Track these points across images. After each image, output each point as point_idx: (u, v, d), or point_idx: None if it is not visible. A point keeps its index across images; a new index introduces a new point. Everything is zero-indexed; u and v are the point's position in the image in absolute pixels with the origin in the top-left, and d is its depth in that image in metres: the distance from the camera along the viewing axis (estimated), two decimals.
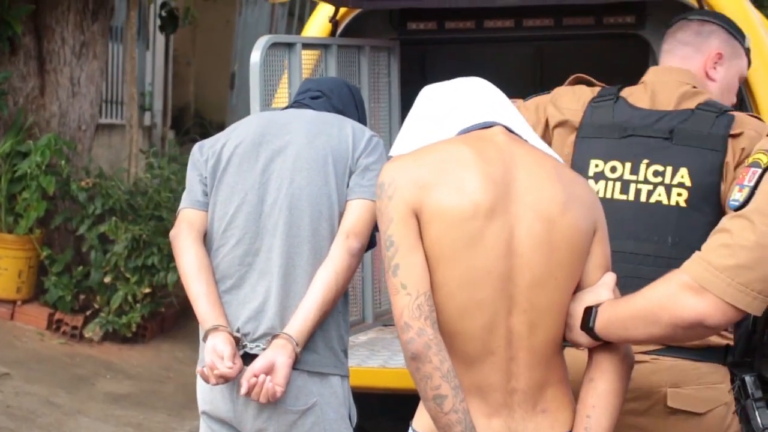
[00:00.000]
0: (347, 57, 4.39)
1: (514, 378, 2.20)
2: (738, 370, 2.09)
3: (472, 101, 2.35)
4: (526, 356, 2.20)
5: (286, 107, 3.19)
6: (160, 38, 11.84)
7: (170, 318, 7.56)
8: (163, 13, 8.28)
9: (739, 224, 1.97)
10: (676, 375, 2.62)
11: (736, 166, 2.67)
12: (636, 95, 2.87)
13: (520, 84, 5.86)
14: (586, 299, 2.23)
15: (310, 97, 3.10)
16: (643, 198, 2.73)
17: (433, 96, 2.41)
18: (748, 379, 2.06)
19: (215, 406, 2.90)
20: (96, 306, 7.12)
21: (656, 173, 2.72)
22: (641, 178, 2.74)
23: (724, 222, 2.01)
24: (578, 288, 2.25)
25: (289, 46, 4.01)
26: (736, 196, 1.99)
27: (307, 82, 3.28)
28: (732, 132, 2.71)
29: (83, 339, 7.04)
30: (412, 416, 2.31)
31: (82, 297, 7.17)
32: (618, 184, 2.76)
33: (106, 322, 6.96)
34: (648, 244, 2.68)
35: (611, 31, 4.53)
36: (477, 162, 2.19)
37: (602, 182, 2.78)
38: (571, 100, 2.94)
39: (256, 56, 3.75)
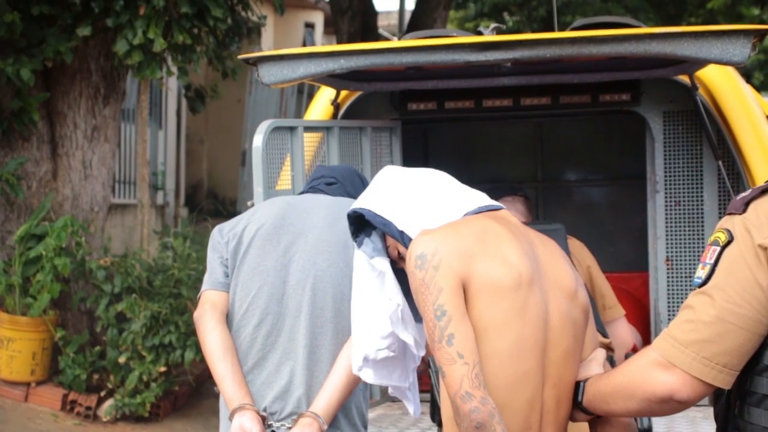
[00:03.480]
0: (349, 138, 4.42)
1: None
2: None
3: (465, 188, 2.40)
4: (552, 430, 2.22)
5: (302, 192, 3.26)
6: (173, 117, 11.99)
7: (183, 396, 7.53)
8: (189, 94, 8.36)
9: (701, 300, 2.01)
10: None
11: None
12: None
13: (521, 159, 5.94)
14: (579, 374, 2.26)
15: (325, 183, 3.18)
16: None
17: (412, 176, 2.41)
18: None
19: None
20: (110, 386, 7.12)
21: None
22: None
23: (689, 299, 2.05)
24: None
25: (291, 129, 4.05)
26: (699, 273, 2.03)
27: (320, 169, 3.35)
28: None
29: (97, 419, 7.02)
30: None
31: (95, 377, 7.17)
32: None
33: (122, 405, 6.95)
34: None
35: (607, 109, 4.59)
36: (510, 236, 2.23)
37: None
38: None
39: (258, 140, 3.80)
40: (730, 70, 4.41)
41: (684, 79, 4.24)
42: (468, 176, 4.63)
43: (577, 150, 5.78)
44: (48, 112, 7.51)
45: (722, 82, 4.32)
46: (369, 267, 2.41)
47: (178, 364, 7.08)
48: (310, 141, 4.24)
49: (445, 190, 2.38)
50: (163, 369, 6.96)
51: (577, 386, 2.24)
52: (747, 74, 13.98)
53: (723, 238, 2.02)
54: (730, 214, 2.05)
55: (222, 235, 3.04)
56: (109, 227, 8.49)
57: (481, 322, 2.15)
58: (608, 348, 3.67)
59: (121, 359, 7.00)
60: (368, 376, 2.48)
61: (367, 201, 2.39)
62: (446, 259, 2.15)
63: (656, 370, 2.03)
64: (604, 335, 3.60)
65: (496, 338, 2.15)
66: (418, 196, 2.37)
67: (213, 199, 12.55)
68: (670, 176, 4.43)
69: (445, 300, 2.13)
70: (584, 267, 4.05)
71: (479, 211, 2.32)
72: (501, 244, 2.20)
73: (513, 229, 2.26)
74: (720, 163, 4.26)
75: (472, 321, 2.14)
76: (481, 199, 2.36)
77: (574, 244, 4.05)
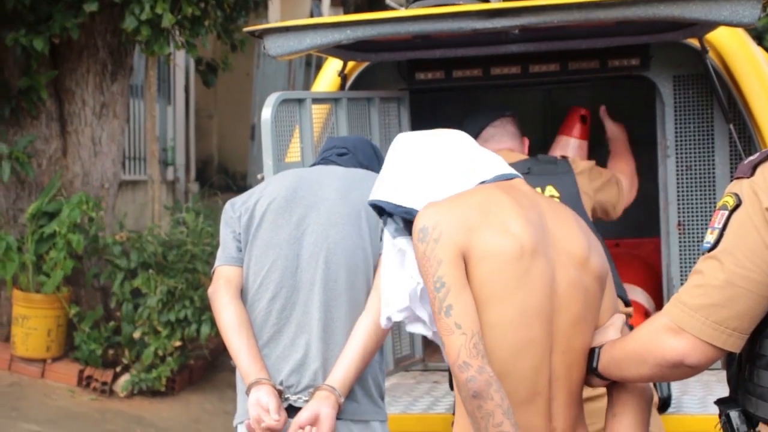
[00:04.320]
0: (357, 109, 4.41)
1: (554, 418, 2.24)
2: (724, 406, 2.12)
3: (487, 153, 2.41)
4: (564, 396, 2.25)
5: (314, 164, 3.26)
6: (181, 93, 11.98)
7: (198, 370, 7.59)
8: (200, 67, 8.36)
9: (710, 265, 2.02)
10: None
11: None
12: None
13: (530, 126, 5.91)
14: (595, 341, 2.28)
15: (336, 154, 3.19)
16: None
17: (426, 146, 2.42)
18: (732, 414, 2.08)
19: None
20: (125, 361, 7.18)
21: None
22: None
23: (698, 264, 2.06)
24: None
25: (300, 101, 4.05)
26: (708, 238, 2.04)
27: (331, 140, 3.36)
28: None
29: (113, 394, 7.08)
30: None
31: (111, 352, 7.22)
32: None
33: (139, 380, 7.01)
34: None
35: (617, 74, 4.57)
36: (515, 206, 2.25)
37: None
38: None
39: (266, 113, 3.79)
40: (741, 32, 4.37)
41: (694, 42, 4.21)
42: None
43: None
44: (56, 90, 7.51)
45: (733, 45, 4.29)
46: (392, 244, 2.42)
47: (193, 339, 7.13)
48: (318, 113, 4.23)
49: (459, 158, 2.39)
50: (178, 343, 7.02)
51: (592, 352, 2.26)
52: (758, 37, 13.88)
53: (731, 202, 2.02)
54: (738, 178, 2.05)
55: (234, 210, 3.05)
56: (121, 204, 8.51)
57: (482, 292, 2.18)
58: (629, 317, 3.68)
59: (136, 334, 7.05)
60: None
61: (383, 188, 2.40)
62: (447, 231, 2.19)
63: (667, 335, 2.05)
64: (626, 303, 3.58)
65: (498, 307, 2.18)
66: (433, 170, 2.38)
67: (223, 174, 12.59)
68: (680, 141, 4.41)
69: (444, 272, 2.17)
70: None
71: (492, 180, 2.33)
72: (504, 215, 2.22)
73: (521, 199, 2.27)
74: (731, 126, 4.25)
75: (473, 291, 2.17)
76: (495, 167, 2.37)
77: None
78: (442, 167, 2.38)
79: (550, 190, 3.76)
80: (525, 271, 2.19)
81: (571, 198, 3.68)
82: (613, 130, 4.49)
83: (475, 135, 3.80)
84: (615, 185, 4.13)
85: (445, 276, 2.17)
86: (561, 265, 2.23)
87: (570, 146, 4.49)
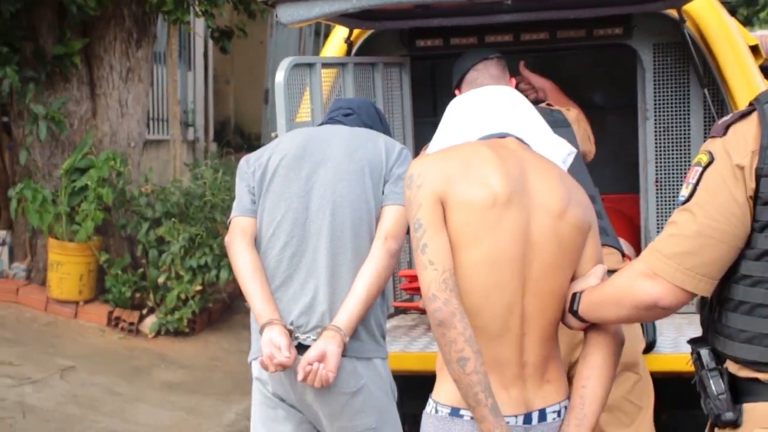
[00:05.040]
0: (363, 73, 4.40)
1: (525, 353, 2.26)
2: (695, 345, 2.13)
3: (493, 113, 2.44)
4: (536, 334, 2.26)
5: (322, 123, 3.25)
6: (200, 60, 11.92)
7: (216, 312, 7.62)
8: (216, 34, 8.30)
9: (684, 217, 2.02)
10: None
11: None
12: None
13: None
14: (576, 286, 2.29)
15: (342, 114, 3.17)
16: None
17: (462, 105, 2.50)
18: (703, 352, 2.09)
19: (276, 389, 2.96)
20: (150, 304, 7.21)
21: None
22: None
23: (673, 215, 2.06)
24: (574, 278, 2.31)
25: (310, 65, 4.03)
26: (683, 192, 2.04)
27: (337, 102, 3.35)
28: None
29: (139, 333, 7.13)
30: (430, 393, 2.35)
31: (137, 295, 7.26)
32: None
33: (165, 322, 7.04)
34: None
35: (601, 42, 4.54)
36: (496, 160, 2.26)
37: None
38: None
39: (280, 76, 3.77)
40: (716, 4, 4.34)
41: (673, 13, 4.18)
42: None
43: (574, 82, 5.73)
44: (86, 56, 7.49)
45: (708, 16, 4.25)
46: None
47: (212, 284, 7.15)
48: (327, 76, 4.22)
49: (472, 115, 2.45)
50: (199, 288, 7.04)
51: (574, 296, 2.26)
52: (732, 11, 13.78)
53: (705, 159, 2.02)
54: (712, 137, 2.05)
55: (248, 165, 3.04)
56: (145, 161, 8.51)
57: (457, 237, 2.21)
58: None
59: (161, 279, 7.07)
60: None
61: (432, 143, 2.51)
62: (428, 180, 2.24)
63: (643, 279, 2.05)
64: (623, 255, 3.53)
65: (471, 250, 2.21)
66: (454, 126, 2.47)
67: (239, 135, 12.57)
68: (659, 104, 4.39)
69: (423, 215, 2.22)
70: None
71: (487, 138, 2.36)
72: (483, 168, 2.25)
73: (505, 155, 2.30)
74: (706, 91, 4.23)
75: (450, 235, 2.21)
76: (495, 126, 2.40)
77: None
78: (459, 123, 2.46)
79: None
80: (497, 219, 2.21)
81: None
82: (542, 82, 4.19)
83: (460, 79, 3.69)
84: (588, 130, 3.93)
85: (423, 218, 2.22)
86: (536, 216, 2.24)
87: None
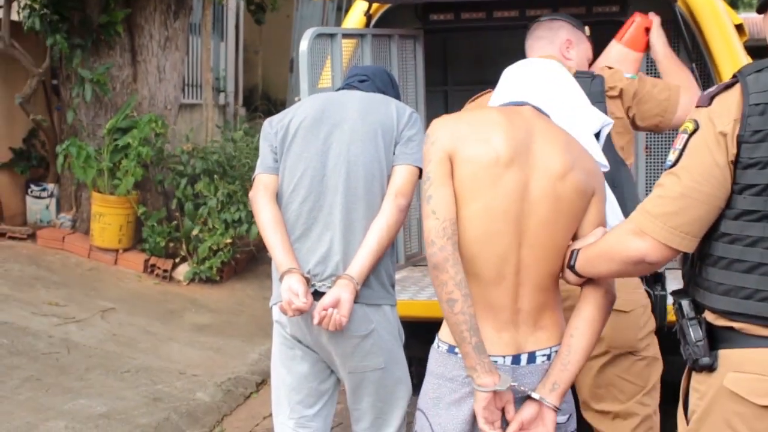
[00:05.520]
0: (380, 45, 4.38)
1: (520, 300, 2.26)
2: (677, 296, 2.13)
3: (520, 83, 2.45)
4: (531, 283, 2.26)
5: (339, 88, 3.24)
6: (232, 31, 11.86)
7: (242, 262, 7.66)
8: (251, 7, 8.24)
9: (670, 180, 2.02)
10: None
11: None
12: None
13: None
14: (576, 245, 2.29)
15: (358, 80, 3.15)
16: None
17: (506, 74, 2.53)
18: (684, 302, 2.09)
19: (294, 331, 2.98)
20: (182, 253, 7.25)
21: None
22: None
23: (661, 178, 2.06)
24: (575, 239, 2.31)
25: (332, 36, 4.01)
26: (670, 156, 2.04)
27: (354, 69, 3.33)
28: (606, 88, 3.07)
29: (173, 279, 7.17)
30: (434, 338, 2.37)
31: (171, 245, 7.30)
32: None
33: (198, 271, 7.08)
34: None
35: (599, 19, 4.49)
36: (504, 125, 2.27)
37: None
38: None
39: (304, 45, 3.77)
40: None
41: None
42: (480, 78, 4.60)
43: None
44: (128, 25, 7.47)
45: None
46: None
47: (241, 237, 7.17)
48: (346, 46, 4.20)
49: (505, 84, 2.48)
50: (229, 240, 7.06)
51: (572, 253, 2.26)
52: None
53: (691, 127, 2.01)
54: (698, 106, 2.04)
55: (272, 127, 3.04)
56: (180, 123, 8.51)
57: (460, 190, 2.24)
58: None
59: (195, 231, 7.10)
60: None
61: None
62: (440, 138, 2.26)
63: (632, 237, 2.05)
64: None
65: (471, 203, 2.23)
66: (498, 90, 2.50)
67: (266, 100, 12.52)
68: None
69: (432, 169, 2.25)
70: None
71: (507, 104, 2.39)
72: (491, 131, 2.26)
73: (515, 120, 2.30)
74: (694, 65, 4.18)
75: (455, 189, 2.24)
76: (519, 95, 2.42)
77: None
78: (498, 90, 2.50)
79: None
80: (498, 176, 2.22)
81: None
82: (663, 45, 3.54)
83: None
84: (665, 91, 3.21)
85: (431, 172, 2.25)
86: (536, 176, 2.25)
87: (613, 54, 3.55)
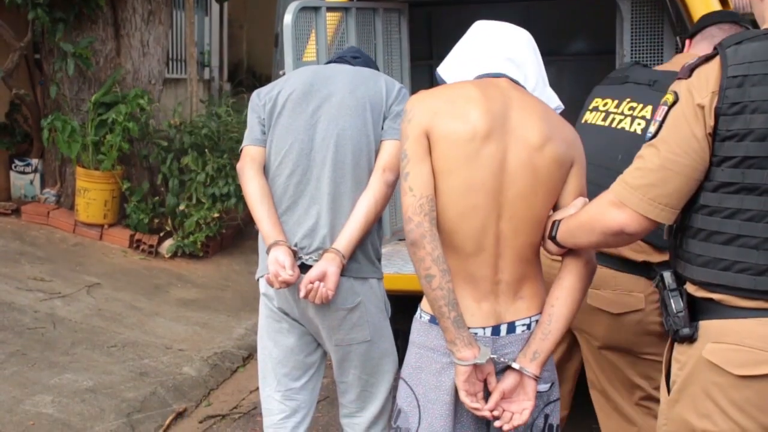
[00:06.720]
0: (364, 18, 4.35)
1: (500, 271, 2.28)
2: (660, 268, 2.15)
3: (496, 53, 2.39)
4: (510, 254, 2.27)
5: (329, 61, 3.22)
6: (216, 6, 11.78)
7: (228, 238, 7.65)
8: None
9: (649, 152, 2.03)
10: (596, 279, 2.65)
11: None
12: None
13: None
14: (557, 216, 2.30)
15: (351, 56, 3.15)
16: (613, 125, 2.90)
17: (475, 35, 2.44)
18: (666, 274, 2.11)
19: (281, 304, 2.98)
20: (167, 228, 7.24)
21: (631, 108, 2.86)
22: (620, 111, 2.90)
23: (641, 150, 2.06)
24: (555, 209, 2.32)
25: (316, 9, 3.99)
26: (651, 128, 2.04)
27: (351, 48, 3.33)
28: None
29: (158, 255, 7.16)
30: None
31: (156, 221, 7.27)
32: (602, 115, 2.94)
33: (181, 245, 7.07)
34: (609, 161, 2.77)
35: None
36: (480, 99, 2.26)
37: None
38: None
39: (287, 18, 3.74)
40: None
41: None
42: None
43: (559, 30, 5.69)
44: None
45: None
46: None
47: (228, 211, 7.15)
48: (331, 20, 4.17)
49: (478, 51, 2.40)
50: (216, 215, 7.05)
51: (554, 224, 2.27)
52: None
53: (671, 99, 2.02)
54: (678, 78, 2.04)
55: (260, 98, 3.02)
56: (164, 98, 8.47)
57: (438, 166, 2.24)
58: None
59: (181, 207, 7.07)
60: None
61: (444, 62, 2.46)
62: (417, 114, 2.26)
63: (611, 208, 2.07)
64: None
65: (450, 178, 2.23)
66: (462, 56, 2.42)
67: (251, 75, 12.47)
68: (635, 51, 4.37)
69: (409, 146, 2.25)
70: None
71: (482, 77, 2.35)
72: (467, 106, 2.25)
73: (491, 93, 2.29)
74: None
75: (433, 165, 2.24)
76: (497, 66, 2.37)
77: None
78: (467, 56, 2.42)
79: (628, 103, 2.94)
80: (475, 151, 2.22)
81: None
82: None
83: (699, 29, 3.02)
84: None
85: (408, 149, 2.25)
86: (514, 148, 2.25)
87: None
